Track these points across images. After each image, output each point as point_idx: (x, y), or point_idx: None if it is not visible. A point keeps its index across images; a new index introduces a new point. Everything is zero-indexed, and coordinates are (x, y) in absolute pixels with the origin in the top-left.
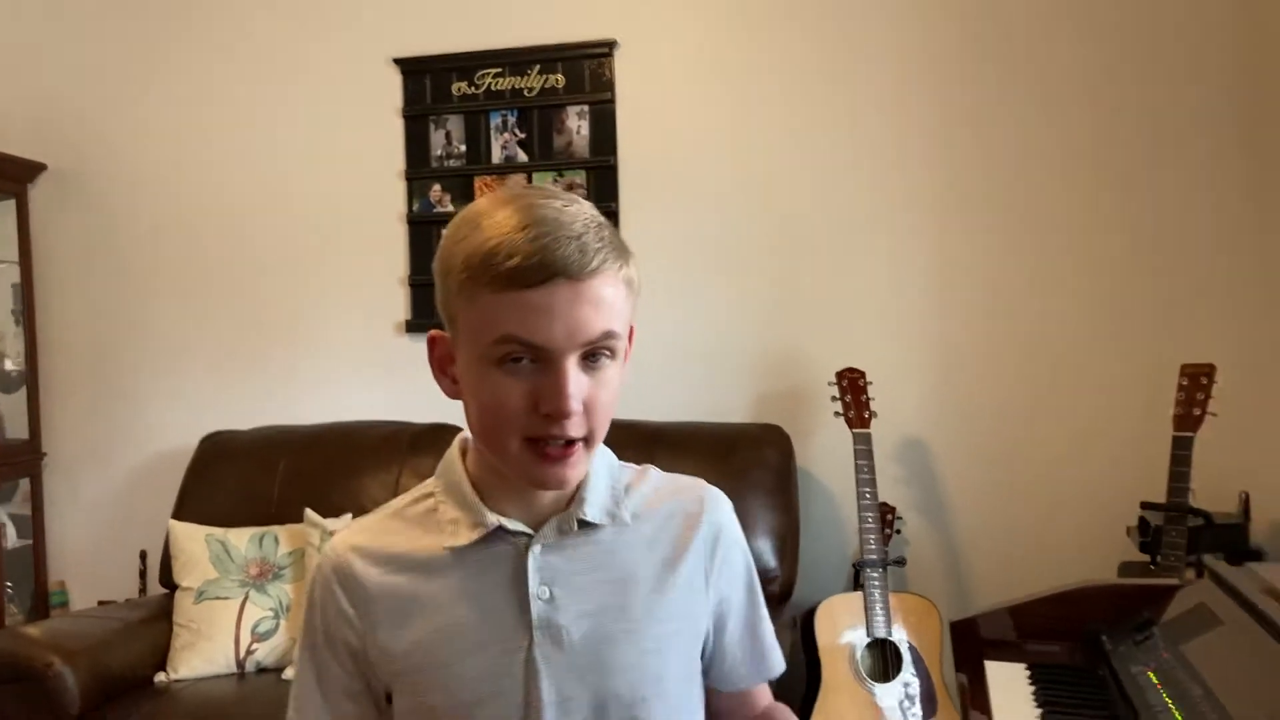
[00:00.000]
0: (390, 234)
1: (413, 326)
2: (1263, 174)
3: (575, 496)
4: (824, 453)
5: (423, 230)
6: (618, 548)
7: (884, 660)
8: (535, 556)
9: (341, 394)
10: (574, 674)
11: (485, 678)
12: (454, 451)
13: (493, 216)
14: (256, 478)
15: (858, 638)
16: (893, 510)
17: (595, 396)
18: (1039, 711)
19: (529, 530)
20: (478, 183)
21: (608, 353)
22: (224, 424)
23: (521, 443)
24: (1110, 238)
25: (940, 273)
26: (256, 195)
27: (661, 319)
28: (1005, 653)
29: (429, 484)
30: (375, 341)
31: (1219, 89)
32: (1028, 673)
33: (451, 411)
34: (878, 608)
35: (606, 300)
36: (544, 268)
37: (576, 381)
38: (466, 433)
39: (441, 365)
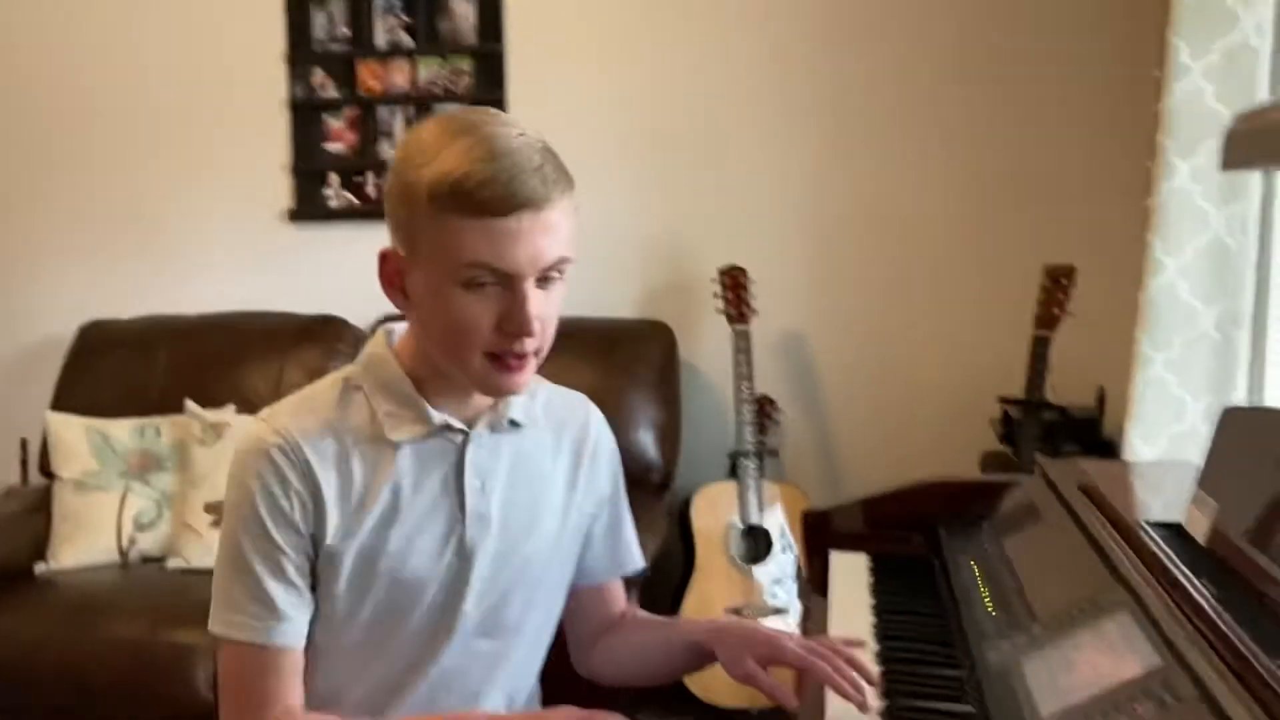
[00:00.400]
0: (272, 119)
1: (297, 215)
2: (1126, 85)
3: (499, 399)
4: (708, 347)
5: (305, 116)
6: (531, 448)
7: (756, 544)
8: (472, 451)
9: (224, 283)
10: (496, 560)
11: (427, 563)
12: (384, 351)
13: (455, 144)
14: (137, 368)
15: (732, 523)
16: (773, 403)
17: (547, 314)
18: (872, 601)
19: (465, 428)
20: (361, 68)
21: (558, 275)
22: (104, 312)
23: (483, 357)
24: (981, 144)
25: (821, 176)
26: (135, 77)
27: None
28: (852, 543)
29: (350, 377)
30: (258, 230)
31: None
32: (869, 562)
33: (336, 303)
34: (751, 495)
35: (561, 228)
36: (511, 198)
37: (535, 302)
38: (392, 332)
39: (391, 280)
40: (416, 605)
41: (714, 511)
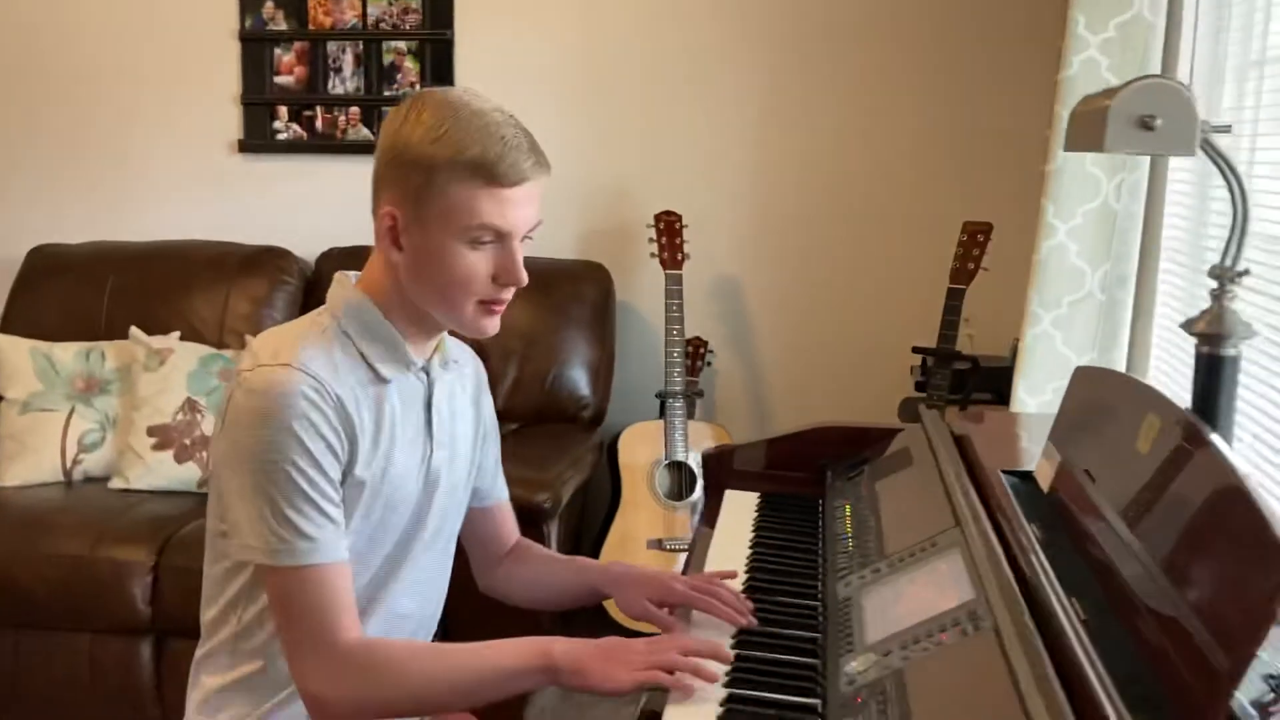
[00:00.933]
0: (223, 50)
1: (245, 147)
2: (1042, 52)
3: (439, 342)
4: (645, 289)
5: (254, 48)
6: (455, 385)
7: (679, 481)
8: (436, 388)
9: (172, 212)
10: (447, 482)
11: (409, 486)
12: (360, 297)
13: (467, 125)
14: (84, 293)
15: (657, 460)
16: (705, 344)
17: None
18: (751, 535)
19: (426, 366)
20: (312, 2)
21: (531, 235)
22: (52, 237)
23: (475, 304)
24: (908, 105)
25: (756, 128)
26: (88, 5)
27: None
28: (748, 482)
29: (328, 320)
30: (207, 160)
31: None
32: (758, 500)
33: (282, 235)
34: (676, 434)
35: (540, 197)
36: (520, 172)
37: (521, 257)
38: (350, 278)
39: (392, 237)
40: (397, 525)
41: (641, 449)
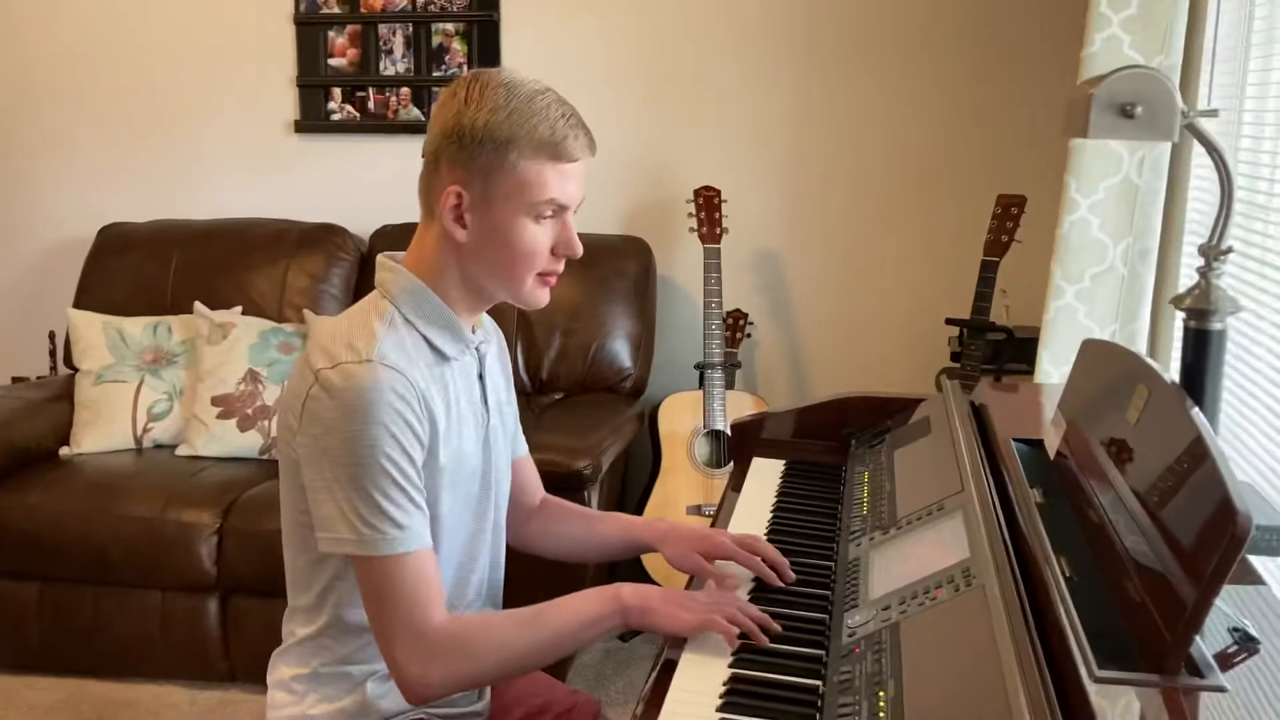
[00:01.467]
0: (279, 34)
1: (301, 127)
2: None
3: (478, 319)
4: (686, 263)
5: (310, 31)
6: (491, 355)
7: (718, 449)
8: (486, 361)
9: (232, 191)
10: (500, 446)
11: (474, 458)
12: (414, 282)
13: (533, 101)
14: (151, 269)
15: (696, 429)
16: (744, 316)
17: None
18: (774, 500)
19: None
20: None
21: (578, 208)
22: (121, 217)
23: (535, 276)
24: (945, 80)
25: (795, 104)
26: None
27: None
28: (776, 450)
29: (388, 308)
30: (265, 140)
31: None
32: (784, 467)
33: (337, 212)
34: (715, 404)
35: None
36: (579, 150)
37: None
38: (398, 260)
39: (457, 214)
40: (473, 496)
41: (680, 418)
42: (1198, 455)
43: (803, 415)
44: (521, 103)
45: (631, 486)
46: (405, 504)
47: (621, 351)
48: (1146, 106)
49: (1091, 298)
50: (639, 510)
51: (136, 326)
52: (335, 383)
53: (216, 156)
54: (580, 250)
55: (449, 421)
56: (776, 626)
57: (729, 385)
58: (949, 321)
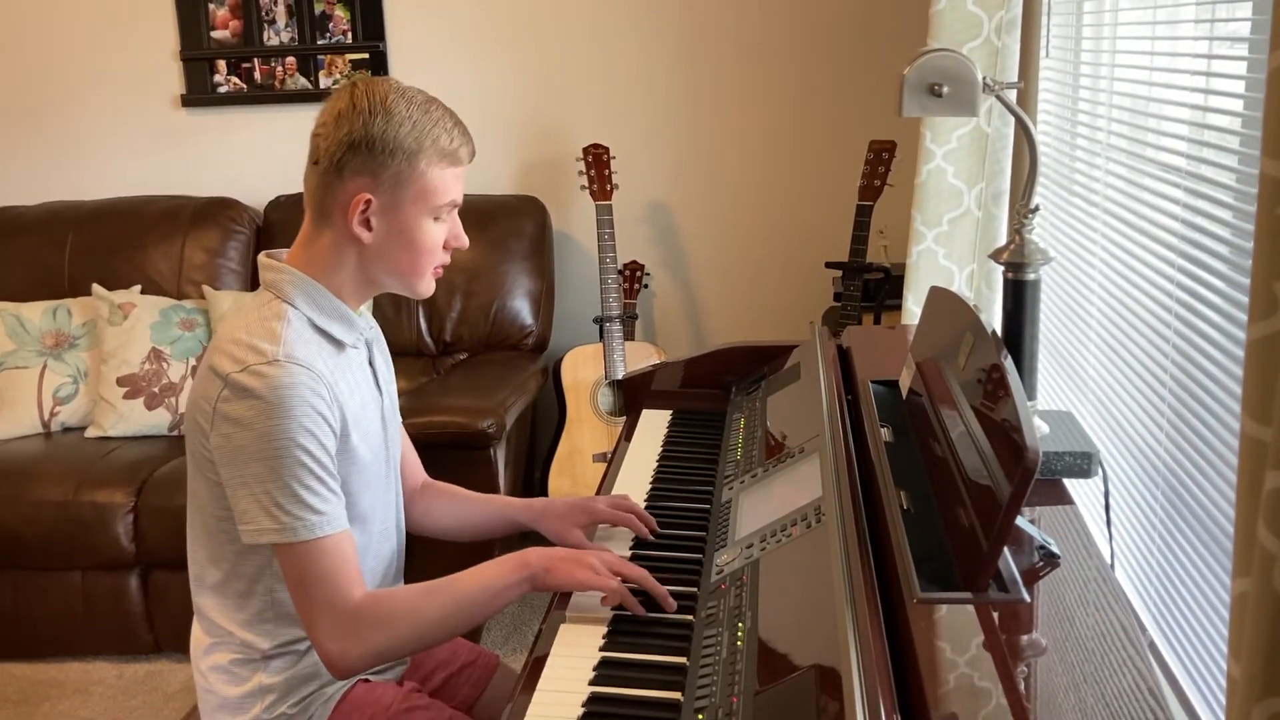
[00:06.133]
0: (159, 7)
1: (188, 101)
2: None
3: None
4: (581, 219)
5: (190, 4)
6: (377, 346)
7: (620, 398)
8: (374, 347)
9: (123, 168)
10: (393, 426)
11: (376, 439)
12: (304, 279)
13: (429, 112)
14: (46, 252)
15: (598, 380)
16: (642, 268)
17: None
18: (660, 449)
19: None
20: None
21: None
22: (10, 200)
23: (431, 270)
24: (816, 32)
25: (678, 60)
26: None
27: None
28: (665, 401)
29: (282, 307)
30: (152, 116)
31: None
32: (670, 417)
33: (230, 185)
34: (615, 355)
35: None
36: (468, 155)
37: None
38: (281, 263)
39: (363, 218)
40: (379, 475)
41: (582, 370)
42: (1002, 397)
43: (690, 366)
44: (421, 114)
45: (540, 440)
46: (322, 491)
47: (522, 309)
48: (952, 86)
49: (950, 240)
50: (547, 461)
51: (35, 311)
52: (246, 384)
53: (104, 135)
54: (468, 242)
55: (354, 405)
56: (672, 604)
57: (629, 336)
58: (828, 265)
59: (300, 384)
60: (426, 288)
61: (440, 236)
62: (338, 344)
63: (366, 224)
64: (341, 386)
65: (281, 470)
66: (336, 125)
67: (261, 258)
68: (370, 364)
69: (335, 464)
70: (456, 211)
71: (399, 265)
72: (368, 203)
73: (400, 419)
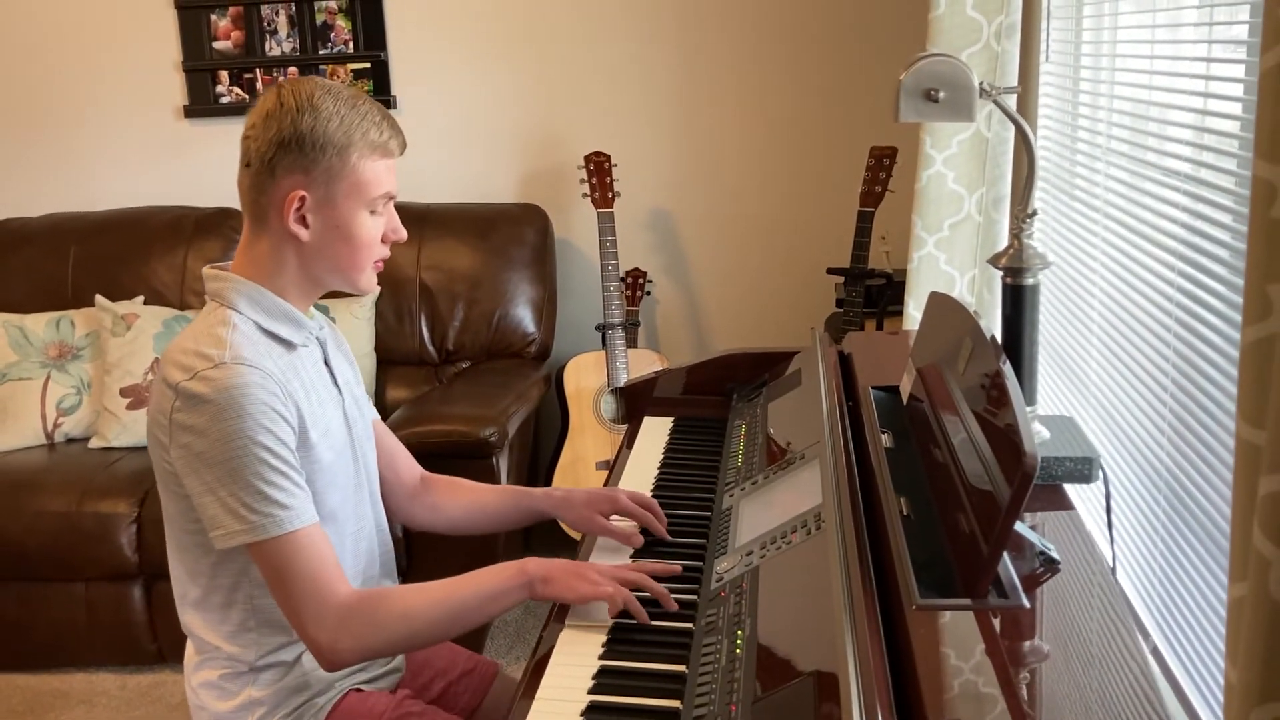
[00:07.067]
0: (161, 19)
1: (190, 112)
2: None
3: (309, 310)
4: (583, 226)
5: (191, 15)
6: (328, 338)
7: (624, 405)
8: (328, 346)
9: (126, 179)
10: (360, 425)
11: (339, 437)
12: (249, 285)
13: (356, 106)
14: (49, 264)
15: (601, 388)
16: (644, 275)
17: None
18: (661, 456)
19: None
20: None
21: None
22: (14, 211)
23: (371, 264)
24: (817, 39)
25: (679, 68)
26: None
27: (429, 105)
28: (666, 408)
29: (228, 314)
30: (155, 127)
31: None
32: (672, 424)
33: (233, 196)
34: (618, 362)
35: None
36: (400, 144)
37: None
38: (226, 272)
39: (299, 216)
40: (347, 468)
41: (585, 378)
42: (1000, 402)
43: (691, 373)
44: (348, 109)
45: (543, 448)
46: (287, 485)
47: (524, 317)
48: (949, 91)
49: (951, 246)
50: (550, 469)
51: (38, 323)
52: (197, 390)
53: (107, 146)
54: (405, 234)
55: (311, 404)
56: (673, 604)
57: (631, 343)
58: (830, 271)
59: (250, 383)
60: (368, 282)
61: (378, 230)
62: (287, 344)
63: (303, 221)
64: (295, 385)
65: (243, 470)
66: (265, 125)
67: (205, 269)
68: (326, 363)
69: (297, 459)
70: (392, 204)
71: (338, 261)
72: (302, 199)
73: (373, 417)
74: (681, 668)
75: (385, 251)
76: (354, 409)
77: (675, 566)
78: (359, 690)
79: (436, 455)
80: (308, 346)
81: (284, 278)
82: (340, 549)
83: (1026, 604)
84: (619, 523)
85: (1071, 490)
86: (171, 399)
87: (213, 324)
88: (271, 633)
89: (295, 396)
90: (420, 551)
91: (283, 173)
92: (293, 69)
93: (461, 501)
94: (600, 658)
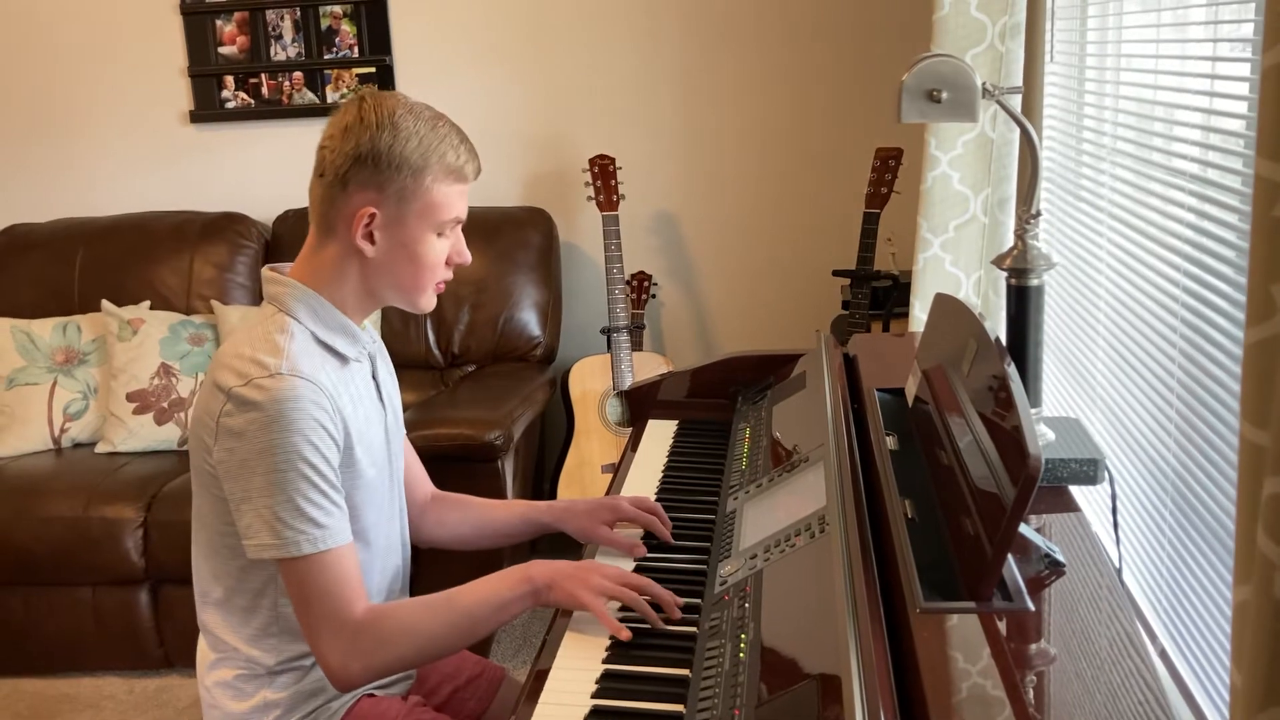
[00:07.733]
0: (166, 24)
1: (196, 117)
2: None
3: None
4: (588, 229)
5: (197, 20)
6: (381, 360)
7: (629, 408)
8: (378, 361)
9: (133, 185)
10: (396, 441)
11: (379, 452)
12: (308, 293)
13: (436, 128)
14: (56, 269)
15: (606, 391)
16: (649, 278)
17: None
18: (665, 459)
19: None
20: None
21: None
22: (22, 217)
23: (433, 285)
24: (822, 40)
25: (683, 70)
26: None
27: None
28: (671, 411)
29: (287, 320)
30: (161, 132)
31: None
32: (676, 427)
33: (238, 200)
34: (623, 365)
35: None
36: (474, 172)
37: None
38: (285, 276)
39: (367, 231)
40: (384, 484)
41: (590, 381)
42: (1004, 404)
43: (696, 376)
44: (428, 130)
45: (548, 451)
46: (325, 504)
47: (530, 320)
48: (951, 91)
49: (956, 247)
50: (555, 472)
51: (45, 328)
52: (250, 397)
53: (113, 151)
54: (470, 258)
55: (358, 419)
56: (677, 613)
57: (636, 346)
58: (836, 273)
59: (303, 397)
60: (428, 303)
61: (443, 252)
62: (341, 357)
63: (370, 237)
64: (345, 400)
65: (284, 484)
66: (344, 138)
67: (265, 271)
68: (374, 377)
69: (339, 477)
70: (460, 228)
71: (401, 279)
72: (372, 216)
73: (404, 432)
74: (685, 672)
75: (448, 274)
76: (394, 424)
77: (675, 612)
78: (372, 696)
79: (442, 458)
80: (360, 361)
81: (344, 290)
82: (369, 565)
83: (1032, 607)
84: (622, 531)
85: (1077, 492)
86: (222, 402)
87: (271, 330)
88: (293, 640)
89: (344, 411)
90: (426, 558)
91: (355, 187)
92: (297, 74)
93: (470, 519)
94: (604, 661)
